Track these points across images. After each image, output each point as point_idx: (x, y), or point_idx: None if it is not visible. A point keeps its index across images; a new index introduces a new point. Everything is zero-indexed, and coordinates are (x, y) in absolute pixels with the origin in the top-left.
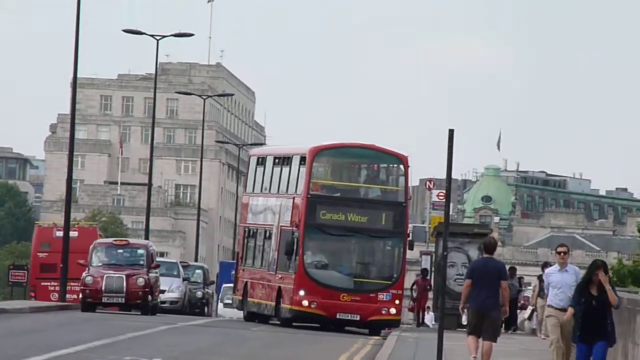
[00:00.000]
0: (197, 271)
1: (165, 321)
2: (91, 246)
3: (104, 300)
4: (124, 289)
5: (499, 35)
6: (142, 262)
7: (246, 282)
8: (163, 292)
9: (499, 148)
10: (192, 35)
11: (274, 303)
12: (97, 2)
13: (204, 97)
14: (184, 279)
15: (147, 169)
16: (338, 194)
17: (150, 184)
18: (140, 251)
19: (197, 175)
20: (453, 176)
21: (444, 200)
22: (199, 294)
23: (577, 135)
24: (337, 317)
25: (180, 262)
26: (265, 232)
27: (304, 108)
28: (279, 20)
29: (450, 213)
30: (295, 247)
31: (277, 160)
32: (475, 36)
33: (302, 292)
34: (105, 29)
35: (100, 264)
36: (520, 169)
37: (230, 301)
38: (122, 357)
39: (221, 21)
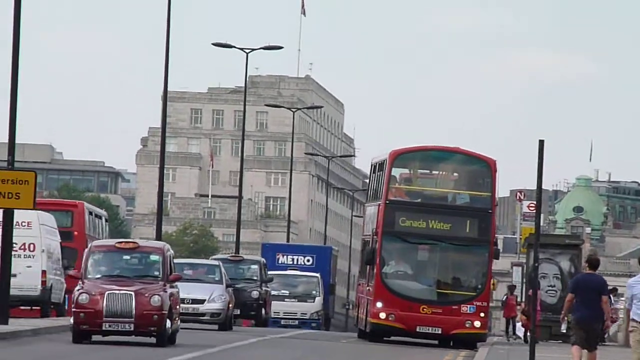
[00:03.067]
0: (252, 267)
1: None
2: (86, 250)
3: (105, 327)
4: (133, 312)
5: (590, 44)
6: (157, 273)
7: (358, 296)
8: (202, 302)
9: (590, 158)
10: (282, 48)
11: (364, 316)
12: (187, 16)
13: (294, 110)
14: (228, 285)
15: (237, 181)
16: (419, 200)
17: (240, 197)
18: (154, 257)
19: (287, 187)
20: (544, 187)
21: (534, 211)
22: (255, 294)
23: None
24: (417, 330)
25: (232, 255)
26: (365, 243)
27: (393, 119)
28: (367, 32)
29: (541, 224)
30: (373, 257)
31: (375, 167)
32: (567, 46)
33: (379, 304)
34: (196, 43)
35: (99, 276)
36: (611, 179)
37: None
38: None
39: (310, 34)
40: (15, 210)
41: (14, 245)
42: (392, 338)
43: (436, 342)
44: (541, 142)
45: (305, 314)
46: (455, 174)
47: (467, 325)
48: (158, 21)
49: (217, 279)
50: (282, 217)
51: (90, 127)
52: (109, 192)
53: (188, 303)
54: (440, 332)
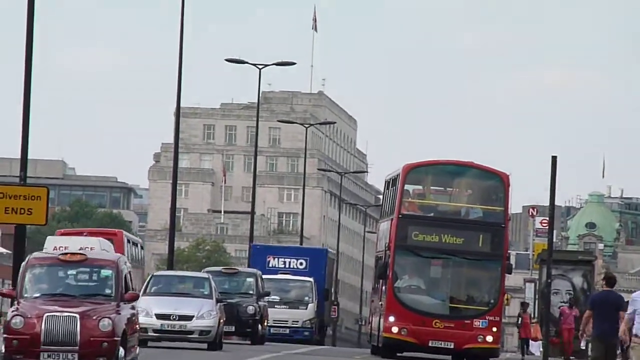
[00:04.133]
0: (247, 280)
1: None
2: (23, 263)
3: (43, 357)
4: (77, 338)
5: (603, 61)
6: (109, 291)
7: (371, 312)
8: (189, 318)
9: (603, 174)
10: (294, 64)
11: (377, 331)
12: (200, 32)
13: (306, 126)
14: (218, 300)
15: (250, 197)
16: (432, 214)
17: (253, 212)
18: (105, 272)
19: (300, 203)
20: (556, 203)
21: (547, 227)
22: (250, 309)
23: None
24: (430, 344)
25: (225, 267)
26: (378, 258)
27: (406, 135)
28: (379, 48)
29: (554, 240)
30: (386, 271)
31: (389, 183)
32: (580, 62)
33: (391, 318)
34: (209, 59)
35: (37, 295)
36: (624, 196)
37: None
38: None
39: (323, 50)
40: (80, 237)
41: None
42: (405, 353)
43: (449, 357)
44: (554, 158)
45: (297, 321)
46: (468, 189)
47: (479, 340)
48: (171, 37)
49: (206, 293)
50: (294, 232)
51: (102, 143)
52: (121, 208)
53: (174, 319)
54: (452, 346)
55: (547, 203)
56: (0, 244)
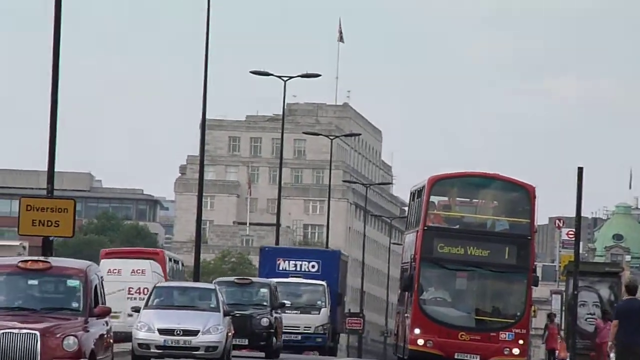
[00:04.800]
0: (261, 290)
1: None
2: None
3: None
4: (38, 358)
5: (630, 71)
6: (76, 305)
7: (397, 324)
8: (195, 333)
9: (630, 186)
10: (319, 75)
11: (403, 343)
12: (225, 44)
13: (331, 138)
14: (226, 313)
15: (275, 209)
16: (457, 226)
17: (278, 224)
18: (72, 282)
19: (325, 215)
20: (583, 214)
21: (574, 238)
22: (265, 321)
23: None
24: (455, 357)
25: (238, 278)
26: (404, 270)
27: (431, 147)
28: (405, 59)
29: (581, 252)
30: (411, 283)
31: (414, 195)
32: (605, 72)
33: (417, 331)
34: (234, 71)
35: None
36: None
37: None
38: None
39: (348, 61)
40: (131, 260)
41: (130, 289)
42: None
43: None
44: (580, 170)
45: (310, 327)
46: (494, 201)
47: (505, 352)
48: (196, 49)
49: (213, 305)
50: (319, 244)
51: (129, 156)
52: (147, 220)
53: (178, 335)
54: (478, 359)
55: (573, 214)
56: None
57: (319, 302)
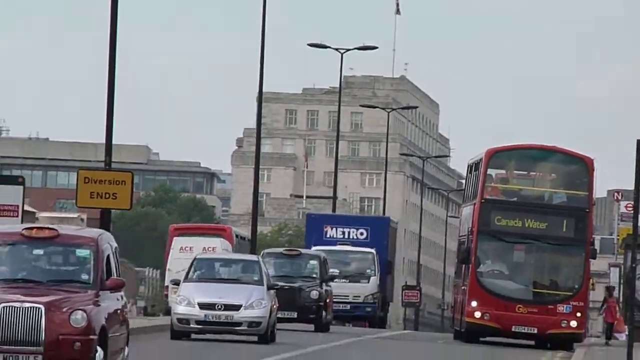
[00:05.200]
0: (311, 262)
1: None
2: None
3: None
4: (42, 336)
5: None
6: (85, 277)
7: (454, 296)
8: (237, 308)
9: None
10: (376, 48)
11: (460, 316)
12: (282, 17)
13: (388, 110)
14: (270, 287)
15: (332, 182)
16: (515, 199)
17: (335, 197)
18: (82, 252)
19: (382, 188)
20: None
21: (632, 211)
22: (314, 294)
23: None
24: (513, 329)
25: (287, 249)
26: (461, 243)
27: (489, 119)
28: (462, 31)
29: (639, 224)
30: (469, 256)
31: (472, 167)
32: None
33: (474, 303)
34: (291, 43)
35: None
36: None
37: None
38: None
39: (405, 33)
40: (202, 238)
41: None
42: (488, 338)
43: (532, 342)
44: (639, 142)
45: (359, 296)
46: (552, 173)
47: (563, 325)
48: (254, 22)
49: (256, 278)
50: None
51: (186, 128)
52: (204, 193)
53: (220, 309)
54: (535, 331)
55: (632, 187)
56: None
57: (368, 271)
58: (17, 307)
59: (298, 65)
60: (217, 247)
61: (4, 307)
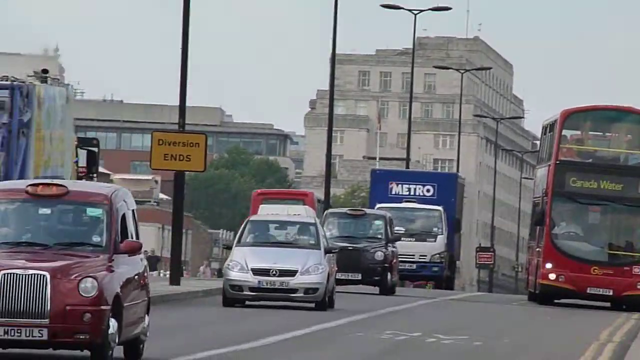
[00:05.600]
0: (376, 222)
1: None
2: None
3: None
4: (47, 307)
5: None
6: (97, 239)
7: (528, 258)
8: (293, 274)
9: None
10: (450, 9)
11: (534, 278)
12: None
13: (462, 71)
14: (328, 250)
15: (405, 143)
16: (590, 160)
17: (408, 159)
18: (93, 211)
19: (455, 149)
20: None
21: None
22: (379, 255)
23: None
24: (587, 291)
25: (351, 209)
26: (535, 205)
27: (564, 80)
28: None
29: None
30: (543, 217)
31: (546, 129)
32: None
33: (549, 265)
34: (364, 4)
35: None
36: None
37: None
38: (383, 331)
39: None
40: (289, 205)
41: None
42: (562, 300)
43: (607, 304)
44: None
45: (425, 255)
46: (628, 134)
47: (638, 286)
48: None
49: (313, 242)
50: None
51: (259, 90)
52: (277, 155)
53: (274, 275)
54: (611, 293)
55: None
56: (160, 190)
57: (435, 229)
58: (19, 275)
59: (371, 27)
60: (302, 213)
61: (4, 275)
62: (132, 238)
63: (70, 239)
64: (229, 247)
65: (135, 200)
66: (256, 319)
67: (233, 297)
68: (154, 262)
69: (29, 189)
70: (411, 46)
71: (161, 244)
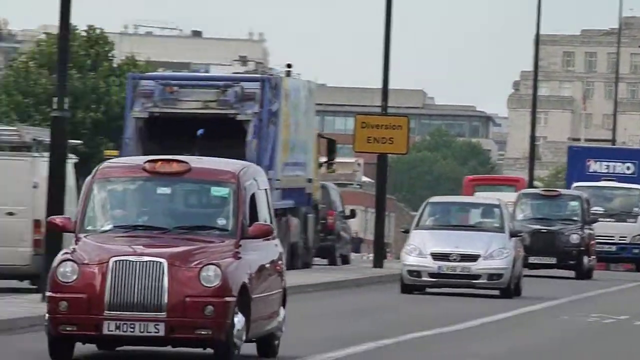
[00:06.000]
0: (571, 204)
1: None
2: (89, 177)
3: (107, 329)
4: (164, 300)
5: None
6: (222, 222)
7: None
8: (475, 258)
9: None
10: None
11: None
12: None
13: None
14: (513, 234)
15: (611, 124)
16: None
17: (614, 140)
18: (218, 190)
19: None
20: None
21: None
22: (574, 238)
23: None
24: None
25: (545, 189)
26: None
27: None
28: None
29: None
30: None
31: None
32: None
33: None
34: None
35: (109, 227)
36: None
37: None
38: (589, 315)
39: None
40: (503, 193)
41: None
42: None
43: None
44: None
45: (625, 237)
46: None
47: None
48: None
49: (497, 225)
50: None
51: (461, 72)
52: (480, 137)
53: (455, 260)
54: None
55: None
56: (363, 173)
57: (635, 209)
58: (133, 262)
59: (576, 7)
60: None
61: (115, 262)
62: (265, 221)
63: (192, 221)
64: (406, 231)
65: (338, 183)
66: (426, 306)
67: (411, 283)
68: (357, 244)
69: (147, 165)
70: (617, 26)
71: (364, 226)
